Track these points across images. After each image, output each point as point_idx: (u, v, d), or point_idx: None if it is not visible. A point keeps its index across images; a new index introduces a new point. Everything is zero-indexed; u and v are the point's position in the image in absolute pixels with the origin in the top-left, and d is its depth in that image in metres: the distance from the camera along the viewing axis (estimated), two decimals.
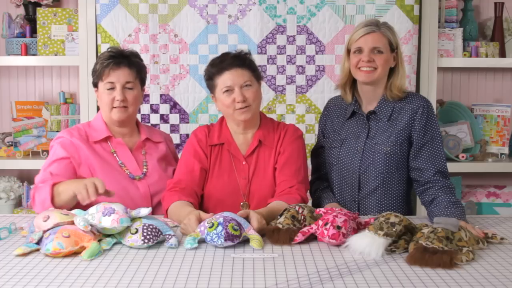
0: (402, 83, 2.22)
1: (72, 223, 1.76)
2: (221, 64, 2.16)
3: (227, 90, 2.14)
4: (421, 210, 2.74)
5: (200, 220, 1.83)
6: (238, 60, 2.17)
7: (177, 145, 3.15)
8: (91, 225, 1.74)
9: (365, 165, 2.21)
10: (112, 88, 2.21)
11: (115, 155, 2.25)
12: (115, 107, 2.21)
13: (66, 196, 1.99)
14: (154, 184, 2.25)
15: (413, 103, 2.20)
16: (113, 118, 2.23)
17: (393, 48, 2.20)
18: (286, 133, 2.23)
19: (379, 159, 2.19)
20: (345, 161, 2.25)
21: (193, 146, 2.22)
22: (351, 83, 2.27)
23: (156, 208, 2.24)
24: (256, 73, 2.20)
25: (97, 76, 2.24)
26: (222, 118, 2.28)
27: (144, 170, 2.27)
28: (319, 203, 2.28)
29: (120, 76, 2.21)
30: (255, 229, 1.79)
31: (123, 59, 2.23)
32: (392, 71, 2.22)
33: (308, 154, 2.47)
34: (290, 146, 2.20)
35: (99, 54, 2.55)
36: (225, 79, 2.14)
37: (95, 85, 2.28)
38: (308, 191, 2.33)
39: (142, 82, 2.31)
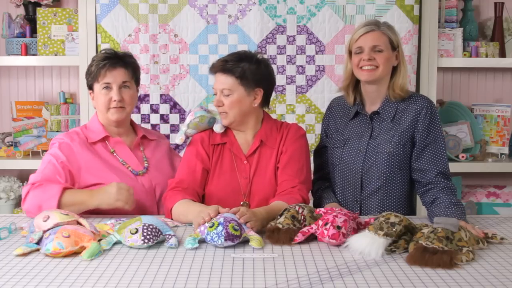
0: (404, 82, 2.22)
1: (72, 223, 1.77)
2: (213, 67, 2.19)
3: (215, 94, 2.18)
4: (421, 210, 2.73)
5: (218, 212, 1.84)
6: (224, 64, 2.14)
7: (178, 146, 3.15)
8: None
9: (367, 165, 2.21)
10: (109, 89, 2.21)
11: (115, 154, 2.26)
12: (112, 108, 2.22)
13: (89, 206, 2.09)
14: (156, 177, 2.28)
15: (416, 103, 2.20)
16: (111, 119, 2.24)
17: (394, 46, 2.20)
18: (288, 132, 2.23)
19: (382, 160, 2.19)
20: (348, 161, 2.25)
21: (195, 146, 2.22)
22: (353, 84, 2.27)
23: (159, 202, 2.27)
24: (244, 81, 2.12)
25: (92, 78, 2.24)
26: None
27: (146, 165, 2.29)
28: (320, 203, 2.28)
29: (116, 76, 2.21)
30: (242, 222, 1.78)
31: (118, 60, 2.24)
32: (394, 70, 2.22)
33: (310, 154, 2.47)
34: (293, 145, 2.20)
35: (93, 56, 2.47)
36: (214, 81, 2.19)
37: (90, 87, 2.28)
38: (310, 191, 2.32)
39: (137, 82, 2.33)
